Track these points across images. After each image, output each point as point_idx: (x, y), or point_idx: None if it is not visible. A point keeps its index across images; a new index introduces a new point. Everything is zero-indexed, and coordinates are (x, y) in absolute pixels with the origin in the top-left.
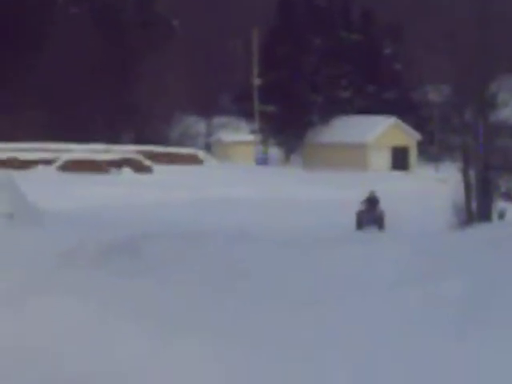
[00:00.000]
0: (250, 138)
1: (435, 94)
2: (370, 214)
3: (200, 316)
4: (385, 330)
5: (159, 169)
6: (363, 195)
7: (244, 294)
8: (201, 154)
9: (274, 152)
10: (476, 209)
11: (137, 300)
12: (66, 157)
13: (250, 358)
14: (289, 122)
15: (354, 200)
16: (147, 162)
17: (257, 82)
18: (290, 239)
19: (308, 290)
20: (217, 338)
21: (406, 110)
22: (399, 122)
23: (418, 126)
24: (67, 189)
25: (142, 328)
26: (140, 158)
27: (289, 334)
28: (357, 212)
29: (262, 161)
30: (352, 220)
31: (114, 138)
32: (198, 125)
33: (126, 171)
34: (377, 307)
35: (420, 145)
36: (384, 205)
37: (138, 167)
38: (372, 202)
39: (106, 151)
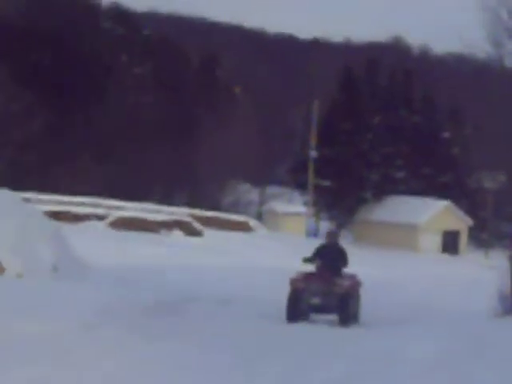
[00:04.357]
0: (303, 209)
1: (490, 181)
2: (321, 286)
3: None
4: None
5: (210, 233)
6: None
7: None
8: (252, 222)
9: (325, 226)
10: None
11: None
12: (117, 214)
13: None
14: (342, 196)
15: (399, 281)
16: (198, 226)
17: (313, 154)
18: None
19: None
20: None
21: (459, 194)
22: (452, 205)
23: (470, 212)
24: (116, 246)
25: None
26: (191, 221)
27: None
28: (291, 280)
29: (313, 233)
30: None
31: (166, 199)
32: (251, 193)
33: (177, 233)
34: None
35: (471, 230)
36: (424, 288)
37: (189, 230)
38: (325, 254)
39: (158, 211)
